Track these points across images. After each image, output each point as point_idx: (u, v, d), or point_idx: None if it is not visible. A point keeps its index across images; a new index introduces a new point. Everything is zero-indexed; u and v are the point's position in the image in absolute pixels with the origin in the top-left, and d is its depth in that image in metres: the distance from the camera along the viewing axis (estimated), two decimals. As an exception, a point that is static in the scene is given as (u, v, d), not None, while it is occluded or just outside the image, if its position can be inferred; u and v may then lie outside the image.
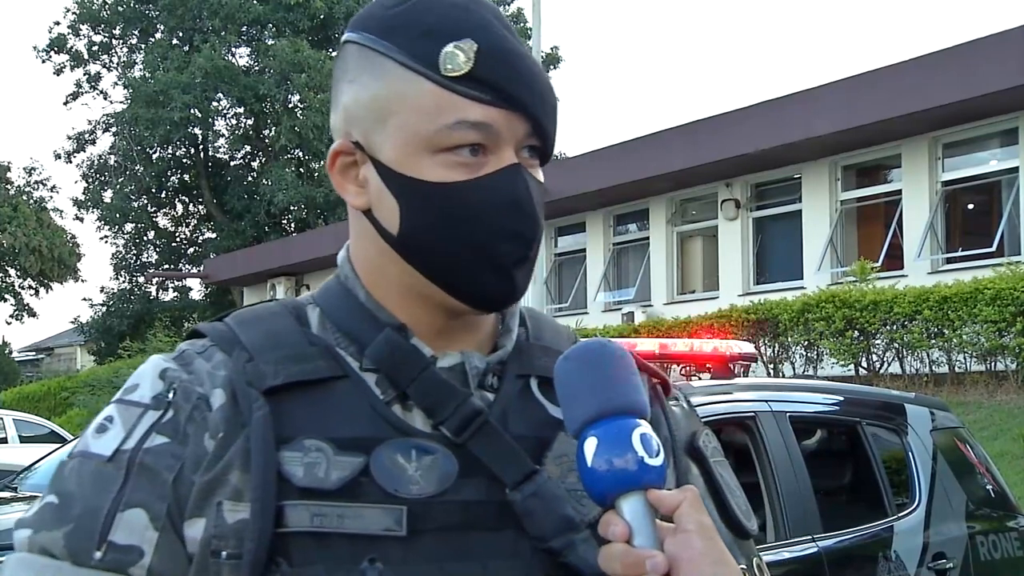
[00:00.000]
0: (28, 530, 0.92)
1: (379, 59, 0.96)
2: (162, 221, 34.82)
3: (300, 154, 31.96)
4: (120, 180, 33.02)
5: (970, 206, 14.52)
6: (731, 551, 0.99)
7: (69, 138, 34.57)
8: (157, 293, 34.33)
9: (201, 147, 33.35)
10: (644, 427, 0.90)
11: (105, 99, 39.01)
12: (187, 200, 35.04)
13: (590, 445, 0.89)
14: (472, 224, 0.95)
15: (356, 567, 0.90)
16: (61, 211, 41.32)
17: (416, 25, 0.96)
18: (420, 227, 0.96)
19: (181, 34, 32.54)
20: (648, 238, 17.07)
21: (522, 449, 0.96)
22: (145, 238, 34.56)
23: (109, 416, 0.97)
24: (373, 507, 0.91)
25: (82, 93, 34.06)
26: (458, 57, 0.93)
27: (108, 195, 33.24)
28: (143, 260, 34.59)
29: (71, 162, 34.79)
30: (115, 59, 34.10)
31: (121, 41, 33.83)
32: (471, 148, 0.94)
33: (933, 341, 11.36)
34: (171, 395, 0.96)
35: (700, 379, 4.32)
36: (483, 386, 1.00)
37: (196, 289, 34.15)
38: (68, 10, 33.11)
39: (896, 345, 11.71)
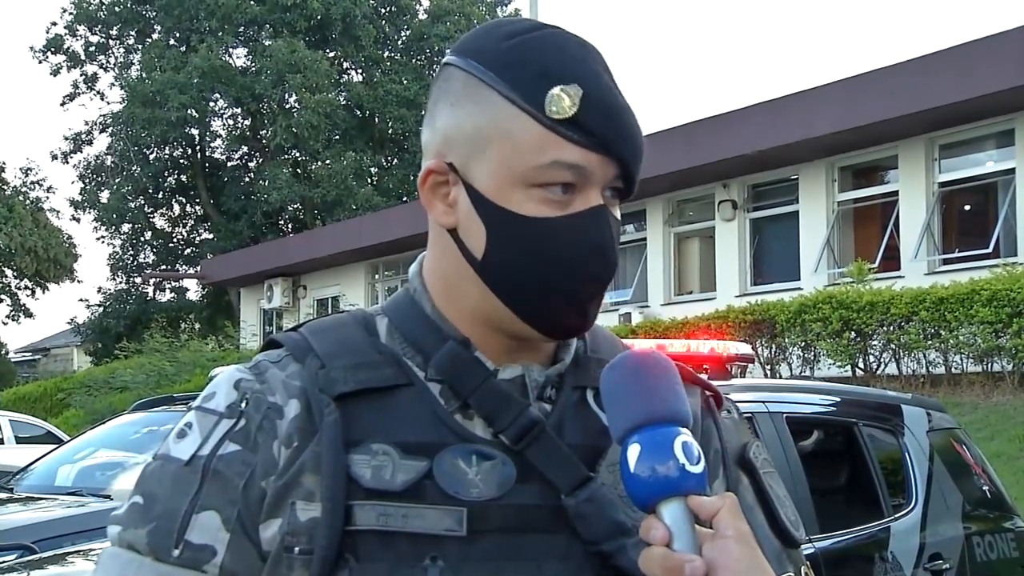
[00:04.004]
0: (118, 527, 1.00)
1: (486, 91, 1.01)
2: (159, 222, 34.82)
3: (296, 154, 31.95)
4: (117, 181, 32.98)
5: (967, 207, 14.54)
6: (780, 560, 1.07)
7: (66, 139, 34.59)
8: (154, 294, 34.30)
9: (198, 147, 33.34)
10: (685, 435, 0.93)
11: (102, 100, 38.93)
12: (184, 200, 35.02)
13: (633, 452, 0.92)
14: (557, 259, 1.00)
15: (419, 564, 0.96)
16: (58, 212, 41.37)
17: (527, 64, 1.00)
18: (506, 256, 1.01)
19: (178, 34, 32.53)
20: (645, 239, 17.07)
21: (577, 457, 1.01)
22: (142, 239, 34.53)
23: (189, 422, 1.03)
24: (435, 508, 0.97)
25: (79, 94, 34.04)
26: (564, 101, 0.98)
27: (105, 196, 33.20)
28: (140, 261, 34.56)
29: (68, 163, 34.79)
30: (112, 60, 34.10)
31: (118, 42, 33.81)
32: (563, 186, 0.99)
33: (930, 342, 11.37)
34: (243, 405, 1.02)
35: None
36: (542, 397, 1.05)
37: (193, 290, 34.17)
38: (65, 11, 33.11)
39: (893, 346, 11.72)
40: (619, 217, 1.05)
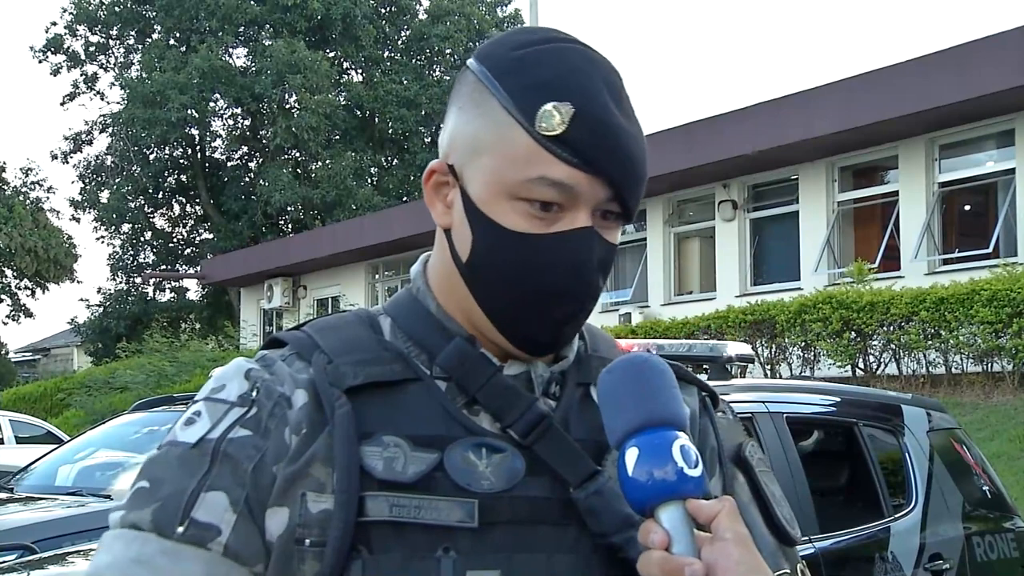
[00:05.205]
0: (121, 511, 1.00)
1: (488, 98, 1.01)
2: (159, 222, 34.82)
3: (296, 154, 31.95)
4: (117, 181, 32.99)
5: (967, 207, 14.53)
6: (776, 557, 1.07)
7: (66, 139, 34.58)
8: (154, 294, 34.30)
9: (198, 147, 33.33)
10: (683, 439, 0.93)
11: (102, 100, 39.08)
12: (184, 201, 35.02)
13: (631, 455, 0.92)
14: (532, 277, 1.00)
15: (431, 555, 0.97)
16: (58, 212, 41.39)
17: (526, 75, 1.00)
18: (485, 264, 1.02)
19: (178, 34, 32.54)
20: (645, 239, 17.07)
21: (584, 451, 1.02)
22: (142, 239, 34.53)
23: (197, 411, 1.03)
24: (447, 500, 0.98)
25: (79, 94, 34.05)
26: (554, 118, 0.98)
27: (105, 196, 33.21)
28: (140, 261, 34.55)
29: (68, 163, 34.79)
30: (112, 60, 34.11)
31: (118, 42, 33.81)
32: (548, 204, 0.99)
33: (930, 342, 11.37)
34: (255, 393, 1.02)
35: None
36: (546, 393, 1.06)
37: (193, 290, 34.17)
38: (65, 10, 33.12)
39: (893, 346, 11.72)
40: (615, 241, 1.04)
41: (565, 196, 0.99)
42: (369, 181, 31.85)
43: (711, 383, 1.26)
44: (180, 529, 0.96)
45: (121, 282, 34.44)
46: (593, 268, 1.01)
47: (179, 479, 0.98)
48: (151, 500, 0.98)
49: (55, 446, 8.54)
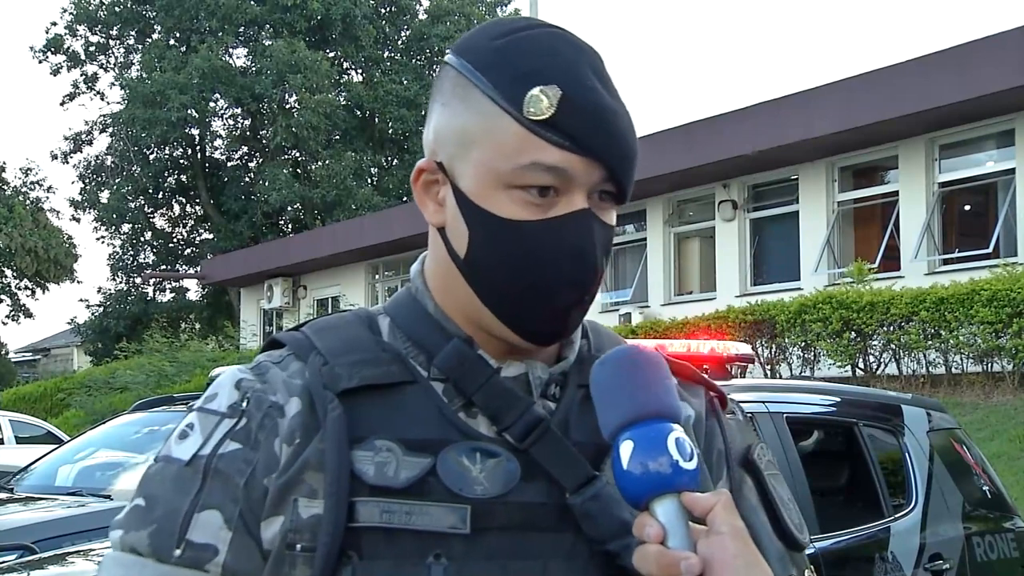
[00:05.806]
0: (120, 531, 0.99)
1: (472, 90, 1.00)
2: (159, 222, 34.82)
3: (296, 155, 31.95)
4: (117, 181, 32.98)
5: (967, 207, 14.53)
6: (783, 563, 1.05)
7: (66, 139, 34.57)
8: (154, 294, 34.30)
9: (198, 147, 33.33)
10: (678, 431, 0.92)
11: (102, 100, 39.03)
12: (184, 201, 35.02)
13: (626, 448, 0.91)
14: (534, 264, 0.99)
15: (422, 561, 0.95)
16: (58, 212, 41.38)
17: (511, 64, 0.99)
18: (484, 257, 1.00)
19: (178, 34, 32.53)
20: (645, 239, 17.06)
21: (582, 455, 1.00)
22: (142, 239, 34.52)
23: (190, 423, 1.03)
24: (439, 505, 0.96)
25: (79, 94, 34.03)
26: (542, 102, 0.97)
27: (105, 196, 33.20)
28: (140, 261, 34.55)
29: (68, 163, 34.77)
30: (112, 60, 34.10)
31: (118, 42, 33.80)
32: (545, 189, 0.98)
33: (930, 342, 11.37)
34: (245, 404, 1.01)
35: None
36: (545, 395, 1.04)
37: (193, 290, 34.16)
38: (65, 11, 33.11)
39: (893, 346, 11.72)
40: (612, 222, 1.03)
41: (560, 180, 0.98)
42: (369, 181, 31.83)
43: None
44: (177, 552, 0.96)
45: (121, 282, 34.45)
46: (594, 250, 1.00)
47: (173, 499, 0.98)
48: (147, 521, 0.98)
49: (55, 446, 8.54)
